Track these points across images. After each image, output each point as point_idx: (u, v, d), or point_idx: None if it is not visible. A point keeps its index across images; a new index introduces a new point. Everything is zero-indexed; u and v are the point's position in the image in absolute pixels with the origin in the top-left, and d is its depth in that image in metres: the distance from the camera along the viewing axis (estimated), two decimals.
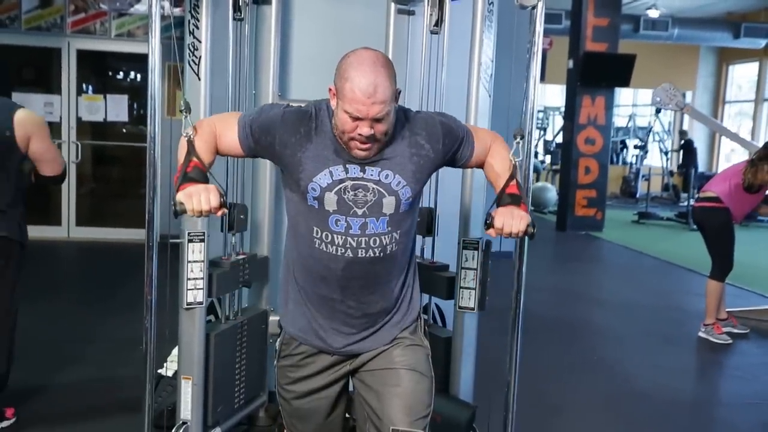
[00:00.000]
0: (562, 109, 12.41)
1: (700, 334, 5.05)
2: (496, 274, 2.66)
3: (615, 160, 15.24)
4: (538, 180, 13.71)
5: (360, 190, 1.74)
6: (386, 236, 1.78)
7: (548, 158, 15.07)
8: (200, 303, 2.54)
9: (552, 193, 12.21)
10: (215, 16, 2.52)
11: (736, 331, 5.13)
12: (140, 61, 7.28)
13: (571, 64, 10.15)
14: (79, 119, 7.45)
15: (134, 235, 7.11)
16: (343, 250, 1.76)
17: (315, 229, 1.77)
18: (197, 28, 2.46)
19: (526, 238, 2.37)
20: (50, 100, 7.33)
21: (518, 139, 1.97)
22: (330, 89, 1.73)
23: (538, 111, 14.05)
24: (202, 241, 2.51)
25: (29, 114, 2.94)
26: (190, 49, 2.47)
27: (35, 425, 3.12)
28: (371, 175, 1.75)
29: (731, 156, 14.35)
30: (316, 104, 1.81)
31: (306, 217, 1.79)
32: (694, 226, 6.01)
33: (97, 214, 7.92)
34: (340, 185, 1.74)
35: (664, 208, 12.73)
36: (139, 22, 7.40)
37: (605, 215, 10.37)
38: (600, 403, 3.79)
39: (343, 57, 1.72)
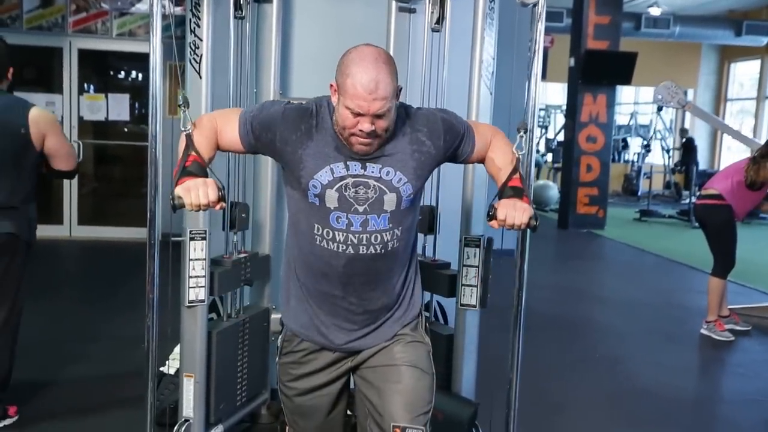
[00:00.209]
0: (564, 108, 12.41)
1: (702, 331, 5.05)
2: (498, 271, 2.66)
3: (617, 158, 15.23)
4: (539, 176, 13.71)
5: (361, 187, 1.74)
6: (388, 233, 1.78)
7: (550, 156, 15.05)
8: (202, 301, 2.54)
9: (554, 191, 12.20)
10: (216, 14, 2.52)
11: (738, 328, 5.13)
12: (141, 61, 7.29)
13: (572, 62, 10.14)
14: (80, 118, 7.46)
15: (136, 233, 7.12)
16: (345, 247, 1.76)
17: (316, 226, 1.77)
18: (198, 26, 2.46)
19: (528, 233, 2.40)
20: (52, 99, 7.34)
21: (521, 133, 1.96)
22: (331, 85, 1.73)
23: (540, 109, 14.00)
24: (203, 239, 2.51)
25: (43, 112, 3.01)
26: (191, 48, 2.48)
27: (38, 423, 3.13)
28: (372, 171, 1.75)
29: (731, 149, 14.33)
30: (317, 101, 1.81)
31: (307, 214, 1.79)
32: (696, 224, 6.00)
33: (98, 213, 7.93)
34: (341, 182, 1.74)
35: (666, 206, 12.73)
36: (140, 21, 7.40)
37: (607, 213, 10.36)
38: (602, 400, 3.79)
39: (345, 53, 1.72)
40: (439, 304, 3.09)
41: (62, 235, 7.42)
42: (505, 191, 1.83)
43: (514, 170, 1.86)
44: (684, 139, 14.35)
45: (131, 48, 7.52)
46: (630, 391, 3.92)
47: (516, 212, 1.75)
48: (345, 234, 1.76)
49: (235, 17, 2.74)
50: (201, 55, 2.48)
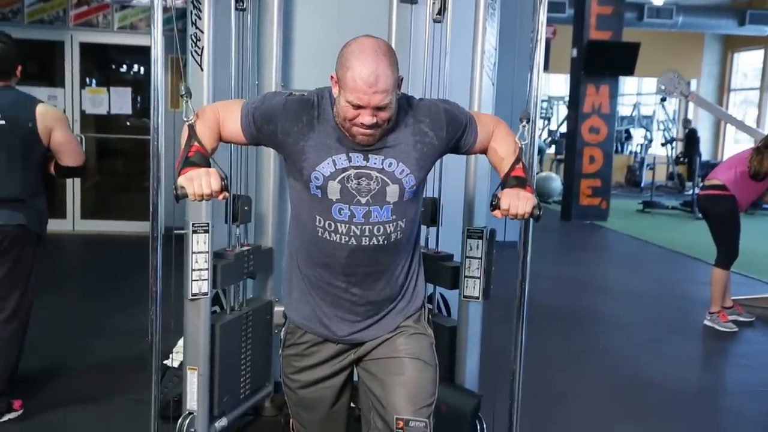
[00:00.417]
0: (566, 99, 12.38)
1: (706, 322, 5.04)
2: (501, 263, 2.65)
3: (619, 149, 15.20)
4: (541, 164, 13.64)
5: (363, 178, 1.74)
6: (390, 224, 1.78)
7: (553, 148, 15.03)
8: (205, 294, 2.54)
9: (557, 182, 12.18)
10: (217, 6, 2.51)
11: (741, 319, 5.12)
12: (143, 54, 7.28)
13: (574, 52, 10.11)
14: (82, 112, 7.47)
15: (139, 227, 7.13)
16: (347, 239, 1.76)
17: (318, 218, 1.77)
18: (199, 18, 2.46)
19: (531, 224, 2.39)
20: (54, 93, 7.34)
21: (524, 123, 1.95)
22: (332, 77, 1.73)
23: (542, 100, 13.98)
24: (206, 231, 2.51)
25: (49, 107, 3.08)
26: (192, 40, 2.47)
27: (42, 416, 3.14)
28: (374, 163, 1.75)
29: (739, 142, 14.28)
30: (319, 92, 1.81)
31: (309, 205, 1.79)
32: (699, 215, 5.99)
33: (101, 207, 7.94)
34: (343, 174, 1.73)
35: (669, 197, 12.71)
36: (141, 14, 7.39)
37: (610, 204, 10.35)
38: (605, 391, 3.79)
39: (345, 45, 1.71)
40: (442, 295, 3.09)
41: (65, 229, 7.43)
42: (508, 181, 1.82)
43: (517, 160, 1.85)
44: (687, 130, 14.31)
45: (133, 41, 7.51)
46: (633, 382, 3.92)
47: (519, 201, 1.74)
48: (347, 226, 1.75)
49: (237, 9, 2.73)
50: (202, 47, 2.47)
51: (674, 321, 5.24)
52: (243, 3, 2.74)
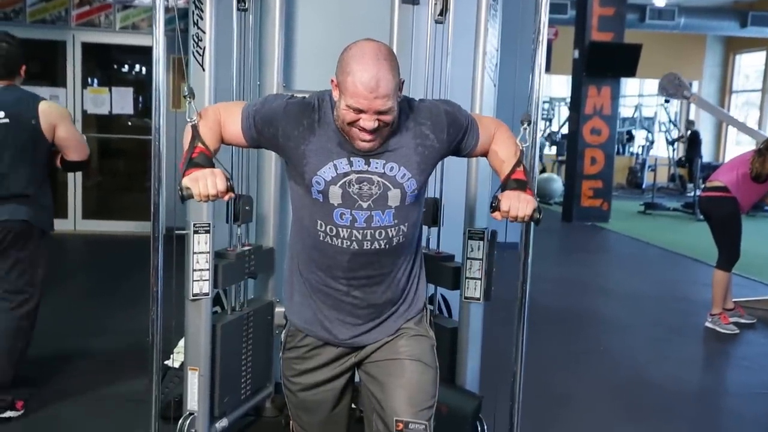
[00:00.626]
0: (568, 100, 12.37)
1: (707, 324, 5.04)
2: (502, 264, 2.65)
3: (621, 150, 15.19)
4: (542, 160, 13.63)
5: (365, 183, 1.73)
6: (393, 228, 1.77)
7: (554, 149, 15.02)
8: (206, 294, 2.54)
9: (558, 184, 12.18)
10: (219, 6, 2.51)
11: (743, 321, 5.12)
12: (145, 54, 7.28)
13: (576, 54, 10.11)
14: (84, 112, 7.47)
15: (140, 227, 7.13)
16: (349, 243, 1.76)
17: (320, 222, 1.76)
18: (201, 18, 2.46)
19: (532, 226, 2.39)
20: (55, 93, 7.34)
21: (525, 125, 1.94)
22: (332, 80, 1.72)
23: (544, 102, 13.99)
24: (207, 232, 2.51)
25: (52, 105, 3.17)
26: (194, 40, 2.47)
27: (42, 416, 3.14)
28: (376, 167, 1.74)
29: (740, 144, 14.27)
30: (319, 95, 1.80)
31: (311, 210, 1.78)
32: (701, 217, 5.99)
33: (103, 207, 7.95)
34: (345, 178, 1.72)
35: (671, 199, 12.69)
36: (143, 14, 7.40)
37: (611, 206, 10.34)
38: (606, 393, 3.79)
39: (345, 49, 1.70)
40: (443, 297, 3.09)
41: (67, 229, 7.43)
42: (508, 183, 1.82)
43: (518, 162, 1.85)
44: (689, 132, 14.30)
45: (134, 41, 7.52)
46: (634, 383, 3.92)
47: (520, 204, 1.74)
48: (349, 230, 1.75)
49: (238, 9, 2.73)
50: (204, 48, 2.47)
51: (675, 323, 5.23)
52: (245, 3, 2.74)
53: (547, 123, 15.45)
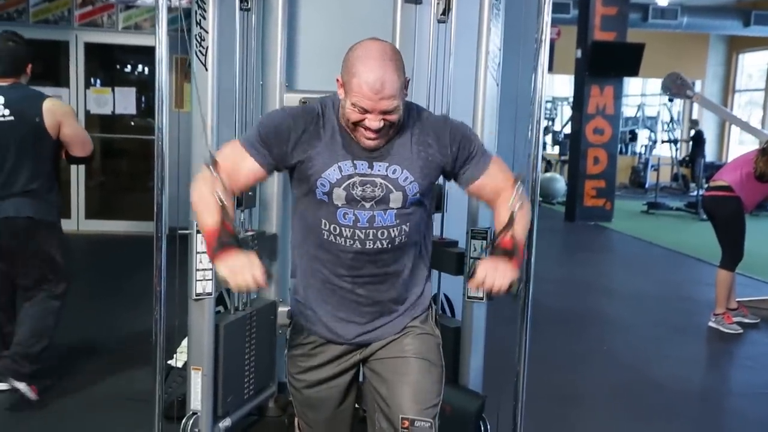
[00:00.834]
0: (571, 100, 12.36)
1: (710, 323, 5.03)
2: None
3: (624, 150, 15.17)
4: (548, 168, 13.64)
5: (368, 185, 1.74)
6: (395, 228, 1.78)
7: (557, 149, 15.01)
8: (209, 294, 2.54)
9: (561, 183, 12.18)
10: (222, 6, 2.51)
11: (746, 320, 5.11)
12: (148, 54, 7.28)
13: (579, 53, 10.10)
14: (87, 112, 7.48)
15: (143, 227, 7.13)
16: (351, 242, 1.77)
17: (323, 221, 1.78)
18: (204, 18, 2.46)
19: (536, 225, 2.39)
20: (58, 93, 7.34)
21: (519, 184, 1.84)
22: (337, 80, 1.72)
23: (546, 101, 13.97)
24: None
25: (56, 103, 3.25)
26: (197, 40, 2.47)
27: (46, 415, 3.14)
28: (379, 170, 1.75)
29: (744, 143, 14.24)
30: (321, 102, 1.81)
31: (315, 210, 1.79)
32: (704, 216, 5.98)
33: (106, 207, 7.96)
34: (349, 181, 1.74)
35: (674, 198, 12.67)
36: (146, 14, 7.40)
37: (614, 206, 10.33)
38: (609, 393, 3.79)
39: (350, 49, 1.71)
40: (446, 296, 3.09)
41: (70, 229, 7.43)
42: (495, 251, 1.78)
43: (507, 227, 1.79)
44: (693, 131, 14.27)
45: (137, 41, 7.52)
46: (637, 383, 3.91)
47: (497, 274, 1.69)
48: (352, 230, 1.76)
49: (241, 9, 2.73)
50: (207, 47, 2.47)
51: (679, 322, 5.23)
52: (247, 3, 2.74)
53: (550, 122, 15.44)
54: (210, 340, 2.59)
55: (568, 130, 13.35)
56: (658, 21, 12.37)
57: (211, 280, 2.53)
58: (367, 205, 1.75)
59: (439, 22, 2.78)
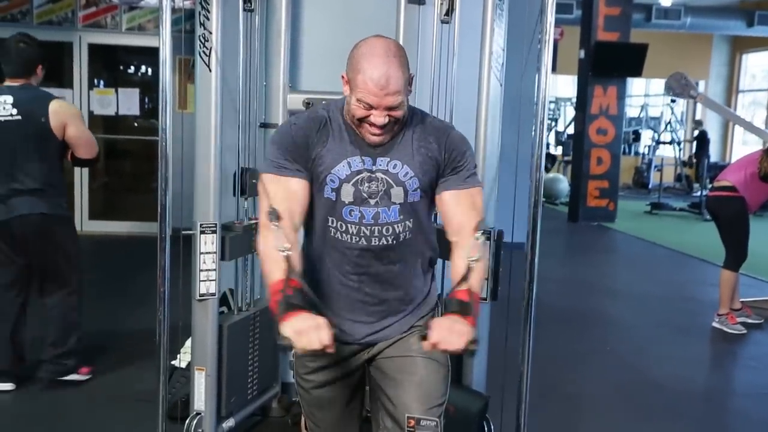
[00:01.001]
0: (574, 100, 12.35)
1: (714, 324, 5.02)
2: (508, 264, 2.65)
3: (627, 150, 15.15)
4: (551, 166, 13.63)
5: (373, 181, 1.77)
6: (399, 224, 1.79)
7: (560, 149, 15.00)
8: (213, 294, 2.55)
9: (564, 184, 12.16)
10: (225, 7, 2.52)
11: (750, 321, 5.10)
12: (151, 55, 7.29)
13: (582, 54, 10.09)
14: (90, 113, 7.48)
15: (147, 228, 7.13)
16: (357, 239, 1.78)
17: (330, 218, 1.79)
18: (208, 19, 2.46)
19: (539, 225, 2.39)
20: (62, 94, 7.30)
21: (480, 234, 1.75)
22: (343, 76, 1.75)
23: (550, 102, 13.95)
24: (214, 232, 2.52)
25: (63, 104, 3.34)
26: (200, 41, 2.48)
27: (50, 416, 3.15)
28: (380, 165, 1.78)
29: (747, 143, 14.21)
30: (325, 106, 1.84)
31: (321, 208, 1.81)
32: (707, 217, 5.97)
33: (109, 208, 7.97)
34: (358, 176, 1.76)
35: (677, 199, 12.65)
36: (149, 15, 7.41)
37: (617, 206, 10.32)
38: (613, 393, 3.79)
39: (355, 46, 1.73)
40: None
41: None
42: (450, 303, 1.69)
43: (464, 279, 1.70)
44: (697, 131, 14.25)
45: (141, 42, 7.53)
46: (641, 383, 3.91)
47: (452, 336, 1.60)
48: (357, 227, 1.78)
49: (245, 10, 2.73)
50: (210, 48, 2.48)
51: (682, 323, 5.22)
52: (251, 4, 2.74)
53: (553, 123, 15.43)
54: (213, 341, 2.60)
55: (571, 130, 13.34)
56: (662, 21, 12.35)
57: (215, 280, 2.54)
58: (372, 201, 1.77)
59: (443, 22, 2.78)
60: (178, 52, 2.38)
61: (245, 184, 2.75)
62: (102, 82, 7.74)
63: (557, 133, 15.41)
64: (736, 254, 4.90)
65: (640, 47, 9.93)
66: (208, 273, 2.52)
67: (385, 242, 1.79)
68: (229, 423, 2.72)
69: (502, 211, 2.66)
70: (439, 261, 2.04)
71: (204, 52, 2.48)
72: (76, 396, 3.37)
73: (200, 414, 2.60)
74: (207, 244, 2.51)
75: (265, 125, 2.91)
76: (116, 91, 7.56)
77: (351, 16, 3.11)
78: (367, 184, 1.76)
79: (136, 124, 7.84)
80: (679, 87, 5.43)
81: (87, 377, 3.48)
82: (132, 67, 8.27)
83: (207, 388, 2.59)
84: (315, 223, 1.83)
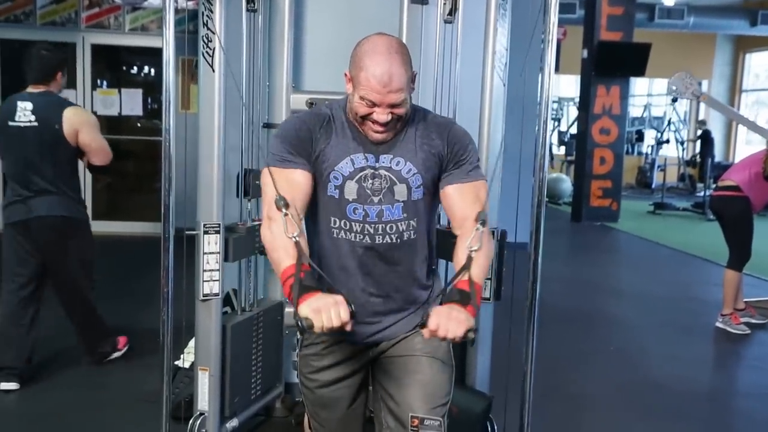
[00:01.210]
0: (577, 100, 12.34)
1: (718, 324, 5.01)
2: (512, 264, 2.65)
3: (630, 150, 15.13)
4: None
5: (376, 178, 1.77)
6: (402, 222, 1.79)
7: (563, 149, 14.99)
8: (216, 294, 2.55)
9: (567, 184, 12.15)
10: (229, 7, 2.52)
11: (754, 321, 5.09)
12: (154, 55, 7.30)
13: (585, 53, 10.08)
14: (94, 113, 7.47)
15: (150, 228, 7.14)
16: (361, 237, 1.78)
17: (333, 219, 1.79)
18: (211, 19, 2.47)
19: (543, 225, 2.39)
20: (65, 95, 7.30)
21: (481, 224, 1.74)
22: (346, 74, 1.75)
23: (553, 101, 13.96)
24: (217, 232, 2.52)
25: (78, 111, 3.52)
26: (203, 41, 2.48)
27: (53, 416, 3.16)
28: (383, 162, 1.78)
29: (751, 143, 14.19)
30: (328, 105, 1.84)
31: (325, 208, 1.81)
32: (711, 216, 5.96)
33: (113, 208, 7.97)
34: (361, 173, 1.77)
35: (680, 199, 12.64)
36: (152, 15, 7.42)
37: (620, 206, 10.31)
38: (616, 393, 3.78)
39: (358, 44, 1.74)
40: None
41: None
42: (450, 292, 1.70)
43: (465, 268, 1.70)
44: (701, 131, 14.22)
45: (144, 43, 7.54)
46: (644, 383, 3.90)
47: (450, 323, 1.59)
48: (361, 225, 1.78)
49: (248, 10, 2.73)
50: (214, 48, 2.48)
51: (686, 323, 5.21)
52: (254, 4, 2.74)
53: (556, 123, 15.42)
54: (217, 341, 2.60)
55: (574, 130, 13.33)
56: (665, 21, 12.34)
57: (218, 280, 2.54)
58: (376, 199, 1.77)
59: (446, 22, 2.78)
60: (181, 52, 2.38)
61: (248, 185, 2.74)
62: (105, 83, 7.74)
63: (560, 133, 15.40)
64: (739, 254, 4.89)
65: (643, 47, 9.92)
66: (212, 273, 2.52)
67: (389, 240, 1.79)
68: (233, 423, 2.73)
69: (505, 210, 2.66)
70: (442, 261, 2.04)
71: (207, 52, 2.49)
72: (80, 396, 3.37)
73: (204, 414, 2.60)
74: (210, 245, 2.51)
75: (268, 125, 2.91)
76: (119, 92, 7.57)
77: (354, 16, 3.11)
78: (370, 181, 1.77)
79: (139, 125, 7.85)
80: (682, 87, 5.42)
81: (126, 348, 3.83)
82: (135, 68, 8.27)
83: (210, 388, 2.59)
84: (318, 227, 1.83)
